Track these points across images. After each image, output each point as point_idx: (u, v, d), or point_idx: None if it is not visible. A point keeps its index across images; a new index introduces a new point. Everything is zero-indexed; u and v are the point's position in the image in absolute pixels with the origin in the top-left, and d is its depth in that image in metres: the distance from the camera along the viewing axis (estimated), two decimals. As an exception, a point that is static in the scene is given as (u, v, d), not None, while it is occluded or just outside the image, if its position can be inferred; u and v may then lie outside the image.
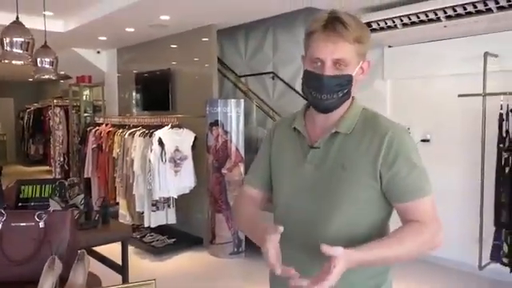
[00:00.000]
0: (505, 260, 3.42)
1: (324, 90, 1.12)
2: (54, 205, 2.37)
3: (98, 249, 2.74)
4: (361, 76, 1.18)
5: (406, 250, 1.09)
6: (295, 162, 1.21)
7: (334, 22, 1.09)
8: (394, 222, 1.21)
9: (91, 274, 1.60)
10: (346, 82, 1.13)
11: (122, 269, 2.52)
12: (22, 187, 2.55)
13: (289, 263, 1.17)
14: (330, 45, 1.09)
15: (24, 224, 1.57)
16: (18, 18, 2.43)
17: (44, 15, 3.15)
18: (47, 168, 9.42)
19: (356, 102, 1.23)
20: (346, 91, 1.14)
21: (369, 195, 1.13)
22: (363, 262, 1.03)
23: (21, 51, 2.34)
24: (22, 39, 2.35)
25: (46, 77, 3.01)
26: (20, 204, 2.50)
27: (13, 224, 1.56)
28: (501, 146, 3.43)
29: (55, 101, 7.97)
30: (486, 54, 3.57)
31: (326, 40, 1.09)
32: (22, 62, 2.40)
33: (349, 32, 1.09)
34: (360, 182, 1.12)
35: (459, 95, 3.72)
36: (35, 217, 1.57)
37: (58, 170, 7.33)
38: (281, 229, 1.03)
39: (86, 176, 5.53)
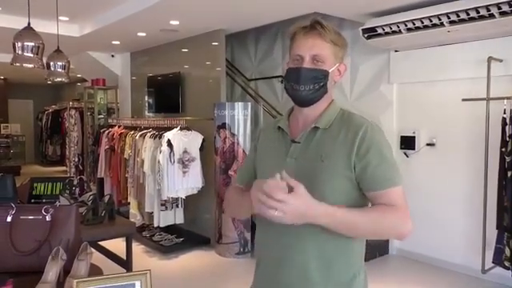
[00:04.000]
0: (507, 263, 3.42)
1: (301, 81, 1.22)
2: (64, 201, 2.50)
3: (105, 244, 2.86)
4: (338, 77, 1.29)
5: (373, 220, 1.15)
6: (278, 157, 1.30)
7: (313, 25, 1.23)
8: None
9: (93, 265, 1.70)
10: (321, 76, 1.23)
11: (127, 263, 2.64)
12: (35, 184, 2.69)
13: (271, 249, 1.25)
14: (309, 42, 1.22)
15: (32, 217, 1.68)
16: (29, 23, 2.57)
17: (57, 21, 3.29)
18: (63, 168, 9.66)
19: (335, 103, 1.32)
20: (322, 84, 1.24)
21: (345, 185, 1.21)
22: (329, 215, 1.10)
23: (31, 55, 2.49)
24: (33, 43, 2.49)
25: (59, 80, 3.15)
26: (33, 200, 2.64)
27: (22, 217, 1.67)
28: (503, 149, 3.44)
29: (71, 103, 8.19)
30: (489, 59, 3.59)
31: (305, 37, 1.23)
32: (33, 66, 2.53)
33: (326, 33, 1.22)
34: (337, 173, 1.20)
35: (463, 99, 3.75)
36: (42, 211, 1.68)
37: (73, 170, 7.53)
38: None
39: (99, 176, 5.69)
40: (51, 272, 1.53)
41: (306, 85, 1.23)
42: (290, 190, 1.06)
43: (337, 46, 1.24)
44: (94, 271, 1.65)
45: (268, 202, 1.04)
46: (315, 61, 1.22)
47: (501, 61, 3.64)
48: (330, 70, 1.24)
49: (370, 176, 1.19)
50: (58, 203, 1.81)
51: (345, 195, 1.21)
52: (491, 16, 3.27)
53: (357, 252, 1.27)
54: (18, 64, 2.53)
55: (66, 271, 1.55)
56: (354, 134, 1.21)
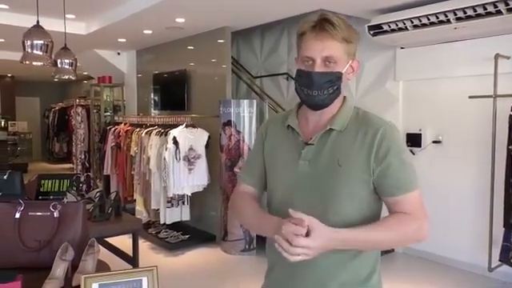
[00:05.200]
0: (513, 262, 3.41)
1: (314, 87, 1.16)
2: (71, 198, 2.52)
3: (111, 241, 2.88)
4: (350, 75, 1.23)
5: (391, 236, 1.14)
6: (290, 159, 1.24)
7: (323, 23, 1.15)
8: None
9: (100, 261, 1.72)
10: (335, 79, 1.17)
11: (133, 259, 2.66)
12: (42, 181, 2.70)
13: (284, 257, 1.22)
14: (320, 43, 1.14)
15: (40, 213, 1.69)
16: (38, 21, 2.59)
17: (64, 18, 3.31)
18: (70, 166, 9.72)
19: (347, 100, 1.27)
20: (336, 88, 1.18)
21: (363, 190, 1.17)
22: (347, 241, 1.08)
23: (41, 53, 2.50)
24: (42, 42, 2.51)
25: (66, 77, 3.18)
26: (40, 197, 2.66)
27: (30, 213, 1.69)
28: (510, 147, 3.42)
29: (77, 100, 8.24)
30: (497, 56, 3.57)
31: (315, 39, 1.15)
32: (42, 63, 2.55)
33: (337, 31, 1.14)
34: (355, 178, 1.16)
35: (470, 97, 3.73)
36: (50, 207, 1.69)
37: (80, 167, 7.58)
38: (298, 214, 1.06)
39: (105, 173, 5.74)
40: (59, 268, 1.55)
41: (319, 90, 1.16)
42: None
43: (350, 44, 1.17)
44: (102, 267, 1.67)
45: (291, 251, 1.02)
46: (327, 62, 1.15)
47: (508, 58, 3.61)
48: (343, 71, 1.18)
49: (389, 180, 1.16)
50: (65, 200, 1.83)
51: (360, 200, 1.18)
52: (498, 12, 3.25)
53: (373, 254, 1.25)
54: (27, 62, 2.54)
55: (73, 267, 1.57)
56: (372, 136, 1.16)
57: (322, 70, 1.16)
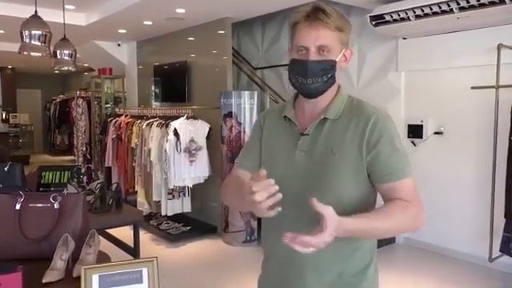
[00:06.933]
0: (514, 252, 3.41)
1: (309, 75, 1.17)
2: (72, 189, 2.51)
3: (113, 232, 2.89)
4: (344, 63, 1.24)
5: (392, 224, 1.13)
6: (286, 149, 1.26)
7: (316, 12, 1.16)
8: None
9: (101, 252, 1.73)
10: (329, 67, 1.18)
11: (134, 250, 2.67)
12: (43, 173, 2.70)
13: (281, 246, 1.20)
14: (313, 32, 1.16)
15: (40, 205, 1.70)
16: (36, 12, 2.57)
17: (64, 9, 3.29)
18: (72, 158, 9.74)
19: (342, 89, 1.28)
20: (330, 75, 1.19)
21: (357, 178, 1.18)
22: (352, 231, 1.07)
23: (39, 43, 2.48)
24: (40, 32, 2.49)
25: (65, 68, 3.16)
26: (41, 189, 2.67)
27: (30, 205, 1.69)
28: (512, 138, 3.41)
29: (78, 92, 8.23)
30: (499, 46, 3.54)
31: (309, 28, 1.16)
32: (40, 54, 2.53)
33: (330, 20, 1.15)
34: (349, 166, 1.17)
35: (472, 87, 3.71)
36: (51, 199, 1.70)
37: (81, 159, 7.60)
38: (263, 172, 1.02)
39: (106, 165, 5.74)
40: (59, 259, 1.56)
41: (314, 78, 1.18)
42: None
43: (342, 32, 1.19)
44: (102, 258, 1.68)
45: (315, 243, 0.98)
46: (321, 51, 1.17)
47: (511, 48, 3.58)
48: (337, 59, 1.19)
49: (381, 167, 1.16)
50: (65, 191, 1.83)
51: (355, 188, 1.18)
52: (502, 2, 3.21)
53: (369, 243, 1.26)
54: (25, 53, 2.53)
55: (74, 258, 1.57)
56: (364, 123, 1.17)
57: (317, 59, 1.17)
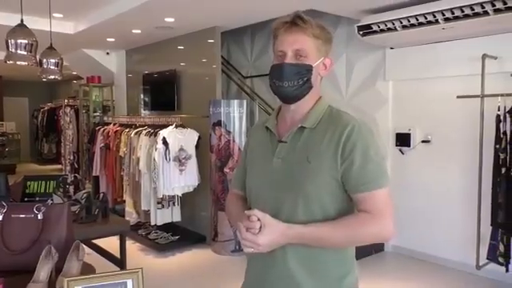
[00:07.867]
0: (501, 260, 3.44)
1: (285, 78, 1.21)
2: (57, 199, 2.48)
3: (100, 243, 2.85)
4: (323, 71, 1.27)
5: (347, 235, 1.17)
6: (265, 157, 1.29)
7: (294, 19, 1.21)
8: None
9: (86, 263, 1.70)
10: (305, 71, 1.21)
11: (121, 261, 2.63)
12: (28, 183, 2.66)
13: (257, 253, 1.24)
14: (291, 37, 1.21)
15: (23, 216, 1.66)
16: (22, 20, 2.55)
17: (50, 17, 3.27)
18: (59, 166, 9.63)
19: (323, 100, 1.30)
20: (306, 79, 1.21)
21: (332, 186, 1.19)
22: (299, 237, 1.15)
23: (25, 52, 2.47)
24: (26, 41, 2.47)
25: (52, 77, 3.13)
26: (26, 199, 2.62)
27: (13, 215, 1.66)
28: (497, 146, 3.45)
29: (66, 100, 8.15)
30: (484, 56, 3.60)
31: (287, 33, 1.21)
32: (26, 63, 2.51)
33: (308, 26, 1.20)
34: (324, 174, 1.18)
35: (458, 96, 3.76)
36: (34, 209, 1.67)
37: (69, 168, 7.51)
38: (249, 212, 1.17)
39: (94, 174, 5.68)
40: (43, 271, 1.53)
41: (289, 81, 1.21)
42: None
43: (319, 40, 1.22)
44: (87, 270, 1.65)
45: (243, 243, 1.15)
46: (298, 56, 1.20)
47: (495, 58, 3.64)
48: (314, 65, 1.22)
49: (354, 177, 1.17)
50: (50, 201, 1.81)
51: (331, 197, 1.19)
52: (485, 13, 3.27)
53: (346, 250, 1.26)
54: (11, 62, 2.51)
55: (57, 270, 1.55)
56: (339, 133, 1.18)
57: (293, 62, 1.21)
